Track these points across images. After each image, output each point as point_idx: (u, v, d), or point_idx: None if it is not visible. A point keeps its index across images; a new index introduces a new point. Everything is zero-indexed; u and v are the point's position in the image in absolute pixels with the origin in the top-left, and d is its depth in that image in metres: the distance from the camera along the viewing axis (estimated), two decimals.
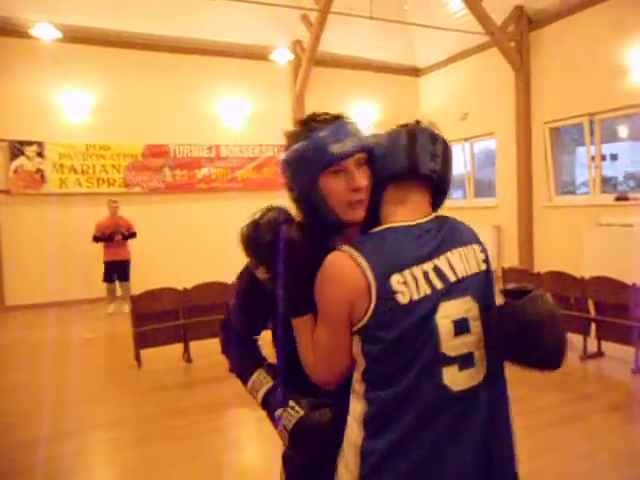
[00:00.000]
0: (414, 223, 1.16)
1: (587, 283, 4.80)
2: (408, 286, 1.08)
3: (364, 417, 1.11)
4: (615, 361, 4.67)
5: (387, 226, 1.16)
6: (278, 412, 1.26)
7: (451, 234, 1.19)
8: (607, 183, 10.95)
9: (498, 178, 9.56)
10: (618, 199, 7.48)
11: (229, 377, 4.76)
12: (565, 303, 5.04)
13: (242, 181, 9.63)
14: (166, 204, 9.16)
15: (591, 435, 3.27)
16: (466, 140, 10.15)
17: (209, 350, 5.29)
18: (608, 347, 4.79)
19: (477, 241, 1.24)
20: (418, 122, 1.29)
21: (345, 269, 1.09)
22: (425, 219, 1.18)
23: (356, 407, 1.13)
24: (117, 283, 7.87)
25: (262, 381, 1.36)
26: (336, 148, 1.19)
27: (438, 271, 1.12)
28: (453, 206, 9.30)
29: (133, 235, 7.85)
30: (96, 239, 7.66)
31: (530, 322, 1.07)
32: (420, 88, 11.34)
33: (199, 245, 9.15)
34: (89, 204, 8.42)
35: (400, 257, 1.10)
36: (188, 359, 5.11)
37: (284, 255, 1.17)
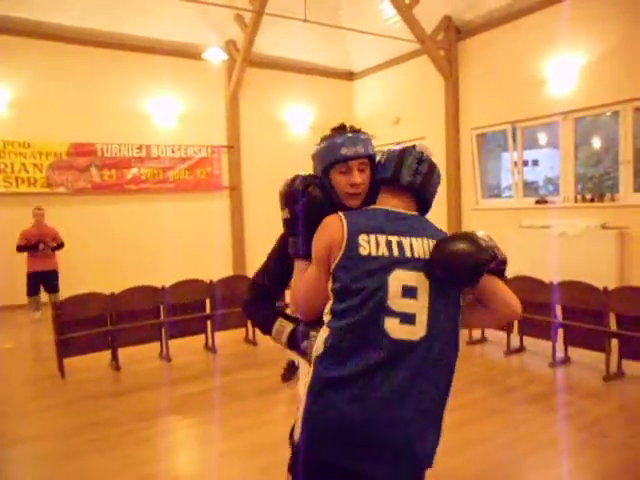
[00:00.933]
0: (392, 209, 1.55)
1: (510, 282, 5.03)
2: (369, 244, 1.45)
3: (324, 340, 1.45)
4: (535, 355, 4.95)
5: (373, 206, 1.58)
6: (303, 344, 1.62)
7: (421, 227, 1.53)
8: (529, 187, 11.60)
9: None
10: (538, 202, 7.95)
11: (159, 384, 4.65)
12: None
13: (174, 182, 9.38)
14: (93, 205, 8.76)
15: (513, 425, 3.45)
16: (398, 144, 10.32)
17: (139, 357, 5.13)
18: (529, 342, 5.07)
19: (441, 232, 1.58)
20: (414, 146, 1.66)
21: (331, 225, 1.50)
22: (403, 210, 1.56)
23: (323, 333, 1.48)
24: (42, 294, 7.41)
25: (284, 326, 1.74)
26: (345, 151, 1.63)
27: (399, 244, 1.46)
28: None
29: (60, 246, 7.44)
30: (20, 249, 7.19)
31: (442, 257, 1.44)
32: (354, 92, 11.53)
33: (129, 248, 8.82)
34: (7, 205, 7.92)
35: (370, 224, 1.48)
36: (116, 367, 4.91)
37: (303, 204, 1.63)
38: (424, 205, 1.63)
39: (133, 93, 9.04)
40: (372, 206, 1.59)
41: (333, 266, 1.47)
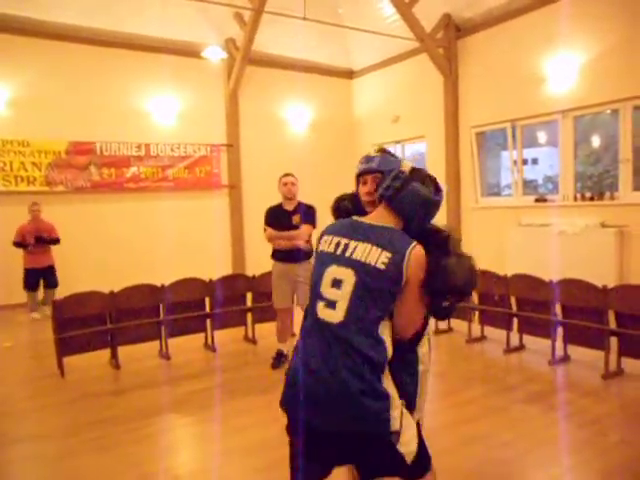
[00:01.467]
0: (360, 218, 1.89)
1: (509, 280, 5.06)
2: (325, 243, 1.87)
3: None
4: (535, 353, 4.95)
5: (355, 217, 1.93)
6: None
7: (373, 235, 1.79)
8: (528, 186, 11.59)
9: None
10: (537, 201, 7.95)
11: (159, 383, 4.65)
12: (490, 300, 5.29)
13: (173, 180, 9.37)
14: (92, 204, 8.75)
15: (512, 424, 3.45)
16: (397, 142, 10.42)
17: (138, 355, 5.13)
18: (528, 340, 5.08)
19: (392, 250, 1.75)
20: (413, 167, 1.92)
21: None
22: (371, 221, 1.86)
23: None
24: (42, 290, 7.42)
25: None
26: (360, 167, 2.03)
27: (345, 246, 1.80)
28: None
29: (56, 241, 7.43)
30: (17, 245, 7.18)
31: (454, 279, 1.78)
32: (354, 90, 11.52)
33: (128, 246, 8.82)
34: (5, 204, 7.91)
35: (334, 229, 1.91)
36: (116, 365, 4.91)
37: (336, 213, 2.17)
38: (406, 219, 1.83)
39: (132, 91, 9.03)
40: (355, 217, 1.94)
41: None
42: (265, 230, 4.60)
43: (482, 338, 5.51)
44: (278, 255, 4.65)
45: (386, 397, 1.71)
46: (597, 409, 3.65)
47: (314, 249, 1.92)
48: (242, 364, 5.06)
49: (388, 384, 1.76)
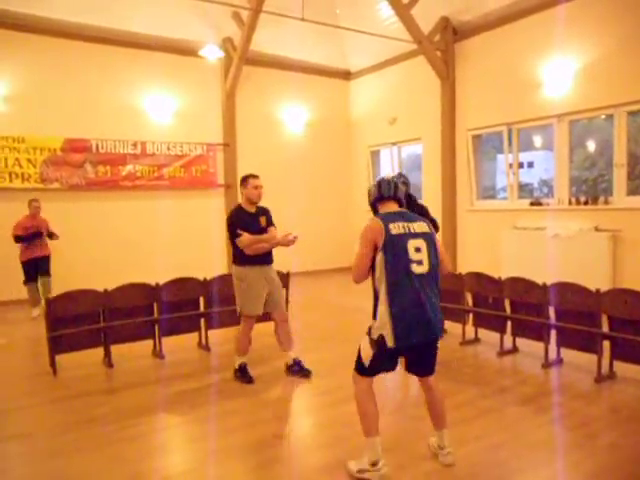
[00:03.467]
0: (392, 211, 2.87)
1: (503, 283, 5.07)
2: (396, 228, 2.71)
3: (386, 290, 2.68)
4: (528, 356, 4.97)
5: (382, 212, 2.87)
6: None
7: (412, 216, 2.87)
8: (524, 189, 11.63)
9: (424, 182, 9.91)
10: (532, 204, 7.98)
11: (152, 382, 4.63)
12: (484, 302, 5.31)
13: (169, 179, 9.36)
14: (87, 202, 8.73)
15: (505, 426, 3.46)
16: (394, 144, 10.44)
17: (132, 354, 5.11)
18: (522, 343, 5.09)
19: (424, 220, 2.88)
20: (382, 177, 3.05)
21: (375, 224, 2.73)
22: (397, 210, 2.89)
23: (381, 286, 2.71)
24: (39, 281, 7.38)
25: None
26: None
27: (409, 228, 2.75)
28: None
29: (53, 235, 7.41)
30: (18, 239, 7.14)
31: None
32: (351, 91, 11.54)
33: (123, 245, 8.80)
34: (0, 200, 7.88)
35: (391, 219, 2.75)
36: (109, 364, 4.89)
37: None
38: (400, 204, 2.95)
39: (129, 89, 9.01)
40: (382, 212, 2.87)
41: (381, 245, 2.68)
42: (239, 236, 4.32)
43: (476, 340, 5.53)
44: (255, 259, 4.40)
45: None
46: (589, 412, 3.67)
47: (384, 235, 2.69)
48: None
49: None
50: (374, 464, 2.75)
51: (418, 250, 2.70)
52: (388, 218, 2.75)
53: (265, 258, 4.51)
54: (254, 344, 5.62)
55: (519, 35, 7.88)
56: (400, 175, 4.22)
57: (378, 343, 2.67)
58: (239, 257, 4.43)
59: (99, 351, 4.93)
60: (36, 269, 7.30)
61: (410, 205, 3.51)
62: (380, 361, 2.74)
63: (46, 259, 7.39)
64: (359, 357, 2.79)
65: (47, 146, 8.27)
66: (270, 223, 4.62)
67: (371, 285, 2.84)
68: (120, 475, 2.95)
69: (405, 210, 2.91)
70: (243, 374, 4.47)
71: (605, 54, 6.80)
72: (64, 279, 7.28)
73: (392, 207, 2.88)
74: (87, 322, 4.81)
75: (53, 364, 4.67)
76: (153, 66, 9.09)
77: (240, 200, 4.60)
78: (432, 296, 2.73)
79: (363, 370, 2.79)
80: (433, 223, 3.82)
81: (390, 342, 2.64)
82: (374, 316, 2.74)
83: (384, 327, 2.66)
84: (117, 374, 4.76)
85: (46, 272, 7.36)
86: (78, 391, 4.29)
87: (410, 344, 2.69)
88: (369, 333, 2.75)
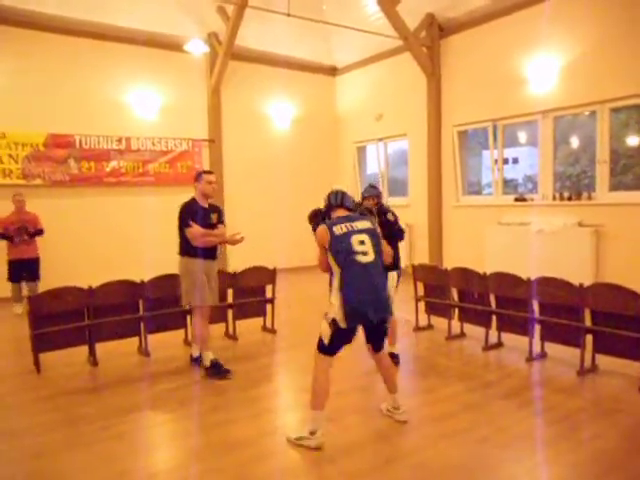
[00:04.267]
0: (338, 216, 3.34)
1: (488, 278, 5.12)
2: (339, 229, 3.20)
3: (338, 279, 3.17)
4: (513, 351, 5.02)
5: (335, 216, 3.35)
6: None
7: (356, 217, 3.35)
8: (509, 185, 11.72)
9: (410, 178, 9.94)
10: (517, 200, 8.06)
11: (138, 379, 4.59)
12: (469, 297, 5.35)
13: (154, 175, 9.27)
14: (71, 198, 8.61)
15: (490, 419, 3.50)
16: (380, 140, 10.46)
17: (117, 352, 5.07)
18: (507, 338, 5.15)
19: (368, 219, 3.42)
20: (334, 189, 3.47)
21: (321, 230, 3.25)
22: (343, 215, 3.34)
23: (335, 277, 3.21)
24: (24, 283, 7.28)
25: None
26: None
27: (352, 226, 3.23)
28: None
29: (40, 232, 7.30)
30: (0, 236, 7.04)
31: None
32: (337, 87, 11.53)
33: (108, 242, 8.71)
34: None
35: (335, 223, 3.25)
36: (94, 362, 4.85)
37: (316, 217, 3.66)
38: (349, 210, 3.41)
39: (113, 84, 8.90)
40: (334, 217, 3.36)
41: (328, 247, 3.21)
42: (190, 226, 4.37)
43: (461, 335, 5.58)
44: (202, 252, 4.46)
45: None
46: (571, 405, 3.73)
47: (329, 238, 3.20)
48: (223, 360, 5.01)
49: None
50: (312, 433, 3.12)
51: (362, 243, 3.19)
52: (333, 223, 3.26)
53: (210, 253, 4.56)
54: (240, 340, 5.63)
55: (504, 32, 7.93)
56: (372, 187, 4.79)
57: (333, 325, 3.12)
58: (186, 249, 4.50)
59: (84, 349, 4.89)
60: (22, 271, 7.20)
61: (380, 216, 4.36)
62: (337, 339, 3.17)
63: (34, 262, 7.29)
64: (320, 338, 3.21)
65: (29, 141, 8.14)
66: (221, 221, 4.68)
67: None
68: (106, 473, 2.93)
69: (350, 214, 3.38)
70: (218, 369, 4.46)
71: (589, 51, 6.87)
72: (48, 276, 7.18)
73: (341, 213, 3.36)
74: (71, 320, 4.75)
75: (37, 362, 4.61)
76: (138, 61, 8.99)
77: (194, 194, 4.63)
78: (379, 282, 3.23)
79: (324, 349, 3.20)
80: (399, 231, 4.64)
81: (342, 324, 3.10)
82: (330, 302, 3.21)
83: (337, 312, 3.11)
84: (102, 372, 4.72)
85: (34, 277, 7.25)
86: (63, 389, 4.25)
87: (361, 323, 3.20)
88: (326, 317, 3.19)
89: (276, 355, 5.32)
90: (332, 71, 11.43)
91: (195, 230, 4.39)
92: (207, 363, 4.49)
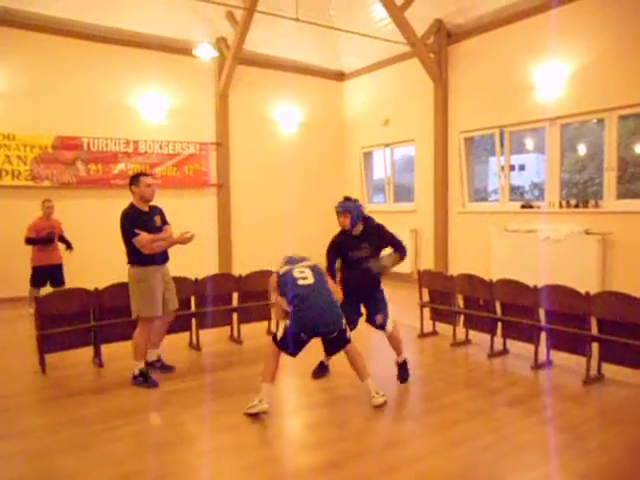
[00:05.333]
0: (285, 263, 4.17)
1: (494, 285, 5.10)
2: (283, 270, 4.01)
3: (292, 310, 3.76)
4: (518, 358, 4.99)
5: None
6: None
7: (299, 260, 4.13)
8: (515, 192, 11.68)
9: (417, 184, 9.94)
10: (523, 207, 8.03)
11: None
12: (475, 304, 5.34)
13: (161, 178, 9.30)
14: (78, 199, 8.66)
15: (494, 427, 3.48)
16: (387, 145, 10.46)
17: (122, 354, 5.07)
18: (512, 345, 5.12)
19: (308, 263, 4.10)
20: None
21: (271, 279, 4.21)
22: (289, 258, 4.22)
23: (286, 303, 3.87)
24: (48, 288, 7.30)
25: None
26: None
27: (293, 267, 3.99)
28: (374, 210, 9.54)
29: (65, 241, 7.34)
30: (30, 241, 7.05)
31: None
32: (344, 92, 11.55)
33: (114, 244, 8.68)
34: None
35: (282, 269, 4.06)
36: (99, 363, 4.86)
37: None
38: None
39: (122, 87, 8.96)
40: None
41: (277, 285, 3.98)
42: (137, 235, 4.23)
43: (467, 342, 5.55)
44: (153, 259, 4.34)
45: (340, 312, 3.85)
46: (577, 414, 3.70)
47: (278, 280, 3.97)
48: (227, 364, 5.03)
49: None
50: (260, 400, 3.64)
51: (302, 272, 3.85)
52: (281, 270, 3.97)
53: (161, 257, 4.46)
54: (245, 344, 5.63)
55: (512, 39, 7.93)
56: (347, 200, 4.37)
57: (284, 332, 3.76)
58: (135, 257, 4.33)
59: (89, 350, 4.90)
60: (47, 277, 7.19)
61: (366, 227, 4.27)
62: (286, 343, 3.73)
63: (59, 268, 7.31)
64: (275, 334, 3.85)
65: (38, 143, 8.20)
66: (165, 222, 4.59)
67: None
68: (110, 475, 2.93)
69: (293, 257, 4.13)
70: (145, 379, 4.35)
71: (597, 58, 6.86)
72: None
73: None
74: (77, 321, 4.77)
75: (42, 363, 4.63)
76: (146, 64, 9.04)
77: (133, 200, 4.50)
78: (323, 298, 3.77)
79: (276, 342, 3.79)
80: (396, 243, 4.34)
81: (286, 333, 3.73)
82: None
83: (284, 325, 3.81)
84: (107, 374, 4.73)
85: (60, 282, 7.25)
86: (67, 390, 4.26)
87: (307, 334, 3.72)
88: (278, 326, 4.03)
89: (281, 359, 5.30)
90: (339, 76, 11.46)
91: (142, 238, 4.24)
92: (136, 371, 4.36)
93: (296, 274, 3.82)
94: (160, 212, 4.61)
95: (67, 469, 3.02)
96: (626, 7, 6.55)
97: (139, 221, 4.32)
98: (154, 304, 4.35)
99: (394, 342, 4.36)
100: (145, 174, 4.63)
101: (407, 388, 3.59)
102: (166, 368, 4.71)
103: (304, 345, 3.80)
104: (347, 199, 4.27)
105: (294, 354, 3.81)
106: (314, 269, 3.93)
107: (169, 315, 4.66)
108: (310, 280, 3.80)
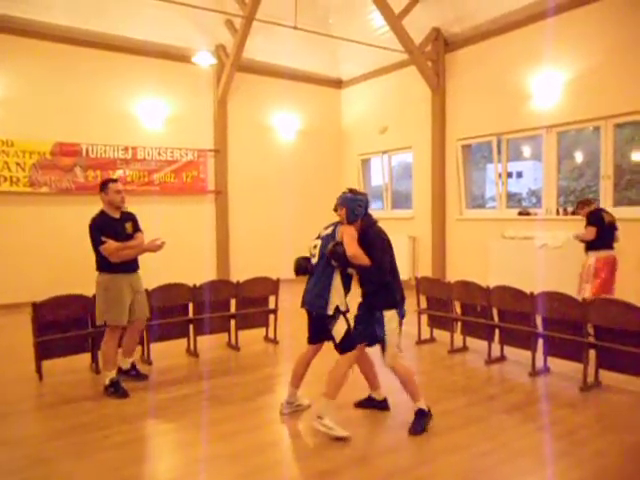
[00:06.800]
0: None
1: (491, 292, 5.11)
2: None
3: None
4: (515, 365, 5.00)
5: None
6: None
7: (330, 225, 3.77)
8: (512, 198, 11.71)
9: (414, 191, 9.97)
10: (521, 214, 8.07)
11: (139, 388, 4.58)
12: (472, 310, 5.35)
13: (160, 185, 9.33)
14: (77, 206, 8.64)
15: (492, 434, 3.48)
16: (385, 153, 10.50)
17: (102, 369, 5.05)
18: (509, 352, 5.13)
19: (332, 228, 3.72)
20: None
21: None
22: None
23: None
24: None
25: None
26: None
27: (319, 234, 3.79)
28: None
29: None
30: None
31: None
32: (342, 100, 11.61)
33: None
34: None
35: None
36: (96, 370, 4.85)
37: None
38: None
39: (121, 94, 9.00)
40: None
41: None
42: (104, 243, 4.18)
43: (464, 349, 5.56)
44: (120, 267, 4.29)
45: (325, 296, 3.56)
46: (574, 420, 3.71)
47: None
48: (224, 371, 5.03)
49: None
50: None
51: (314, 247, 3.70)
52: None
53: (131, 265, 4.42)
54: (243, 351, 5.62)
55: (509, 47, 8.00)
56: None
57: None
58: (104, 265, 4.29)
59: (86, 357, 4.89)
60: None
61: (364, 230, 3.64)
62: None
63: None
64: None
65: (36, 150, 8.22)
66: (137, 229, 4.52)
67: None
68: None
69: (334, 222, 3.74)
70: (116, 389, 4.27)
71: (593, 67, 6.92)
72: (54, 283, 7.20)
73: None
74: (75, 327, 4.76)
75: (39, 369, 4.62)
76: (145, 71, 9.09)
77: (104, 207, 4.44)
78: (315, 279, 3.62)
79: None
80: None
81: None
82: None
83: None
84: (105, 380, 4.71)
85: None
86: (65, 397, 4.25)
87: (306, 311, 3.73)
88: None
89: (278, 366, 5.31)
90: (338, 84, 11.52)
91: (110, 246, 4.19)
92: (106, 382, 4.30)
93: (311, 249, 3.73)
94: (132, 218, 4.54)
95: (65, 476, 3.01)
96: (621, 16, 6.62)
97: (108, 228, 4.27)
98: (119, 312, 4.28)
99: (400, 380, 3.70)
100: (114, 180, 4.62)
101: (404, 394, 3.59)
102: (141, 376, 4.65)
103: (312, 328, 3.76)
104: (350, 191, 3.76)
105: (308, 340, 3.83)
106: (325, 241, 3.62)
107: (139, 323, 4.59)
108: (316, 258, 3.66)
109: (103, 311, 4.30)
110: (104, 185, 4.44)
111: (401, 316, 3.63)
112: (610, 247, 5.92)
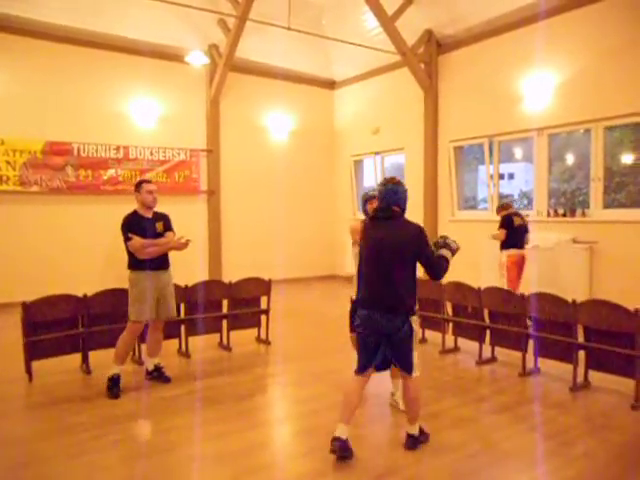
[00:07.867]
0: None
1: (483, 293, 5.14)
2: None
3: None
4: (506, 366, 5.04)
5: None
6: None
7: None
8: (504, 200, 11.68)
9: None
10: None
11: (130, 388, 4.56)
12: (464, 312, 5.37)
13: None
14: (68, 205, 8.61)
15: (482, 435, 3.50)
16: (377, 154, 10.53)
17: (110, 360, 5.03)
18: (500, 353, 5.16)
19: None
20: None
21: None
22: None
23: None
24: None
25: None
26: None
27: None
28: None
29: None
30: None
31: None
32: (335, 101, 11.62)
33: (104, 249, 8.69)
34: None
35: None
36: (87, 370, 4.83)
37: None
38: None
39: (113, 93, 8.95)
40: None
41: None
42: (131, 239, 4.27)
43: (455, 349, 5.59)
44: (148, 264, 4.36)
45: None
46: (563, 421, 3.74)
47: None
48: (216, 371, 5.02)
49: None
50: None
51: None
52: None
53: (159, 263, 4.48)
54: (234, 351, 5.61)
55: (501, 49, 8.04)
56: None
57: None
58: (132, 262, 4.41)
59: (76, 357, 4.86)
60: None
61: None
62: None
63: None
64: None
65: (27, 148, 8.15)
66: (168, 229, 4.61)
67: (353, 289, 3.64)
68: None
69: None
70: (112, 385, 4.29)
71: (584, 70, 6.97)
72: (44, 283, 7.15)
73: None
74: (65, 327, 4.73)
75: (29, 370, 4.59)
76: (138, 71, 9.05)
77: (137, 207, 4.52)
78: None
79: None
80: None
81: None
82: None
83: None
84: (95, 381, 4.68)
85: None
86: (55, 398, 4.23)
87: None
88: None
89: (270, 367, 5.31)
90: (330, 84, 11.53)
91: (135, 242, 4.28)
92: (109, 374, 4.33)
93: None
94: (164, 218, 4.63)
95: (55, 476, 3.00)
96: (612, 20, 6.68)
97: (136, 226, 4.36)
98: (139, 309, 4.35)
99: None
100: (148, 181, 4.71)
101: (388, 397, 3.61)
102: (163, 378, 4.63)
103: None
104: (388, 180, 3.45)
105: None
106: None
107: (159, 322, 4.62)
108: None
109: (129, 306, 4.41)
110: (138, 185, 4.57)
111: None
112: (519, 247, 6.60)
